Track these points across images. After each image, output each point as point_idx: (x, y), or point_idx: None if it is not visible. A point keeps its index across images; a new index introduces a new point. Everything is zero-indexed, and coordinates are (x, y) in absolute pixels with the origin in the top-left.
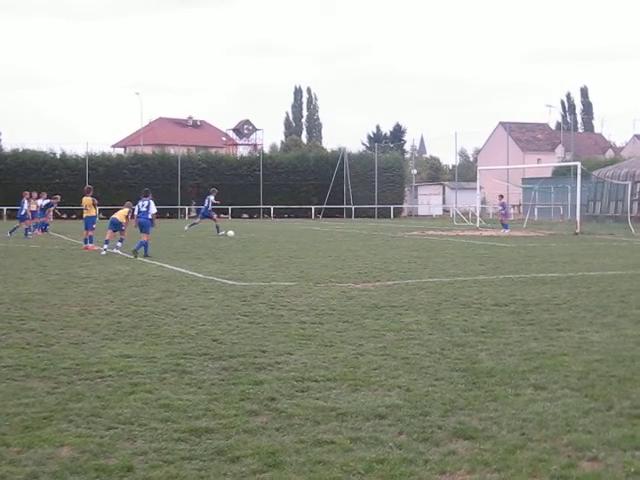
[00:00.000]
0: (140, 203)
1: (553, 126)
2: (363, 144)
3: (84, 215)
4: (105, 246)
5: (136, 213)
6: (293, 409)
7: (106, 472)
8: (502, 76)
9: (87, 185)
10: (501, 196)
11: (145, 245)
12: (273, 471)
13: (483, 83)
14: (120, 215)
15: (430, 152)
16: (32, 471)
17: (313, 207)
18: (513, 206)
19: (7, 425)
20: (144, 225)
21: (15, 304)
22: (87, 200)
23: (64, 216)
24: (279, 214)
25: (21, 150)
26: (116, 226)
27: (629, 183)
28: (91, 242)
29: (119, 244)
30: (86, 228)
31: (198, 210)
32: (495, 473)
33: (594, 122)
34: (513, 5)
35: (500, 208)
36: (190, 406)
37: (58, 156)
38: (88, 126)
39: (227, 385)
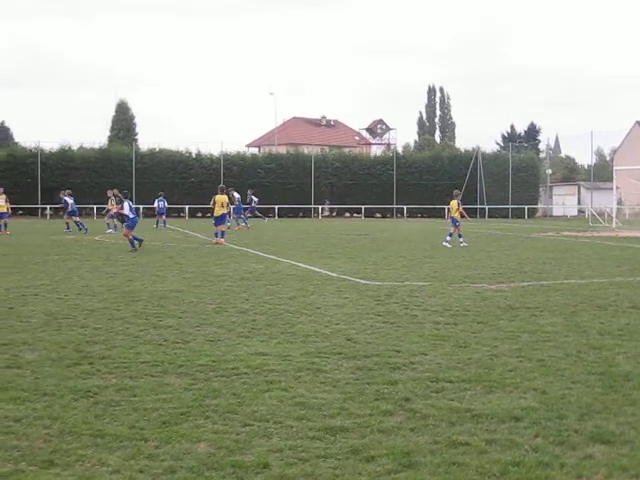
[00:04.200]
0: None
1: None
2: (497, 144)
3: (219, 213)
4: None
5: None
6: (428, 409)
7: (242, 468)
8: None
9: (221, 184)
10: None
11: None
12: (408, 471)
13: (621, 78)
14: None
15: (565, 152)
16: (170, 466)
17: (446, 207)
18: None
19: (145, 420)
20: None
21: (152, 301)
22: (223, 198)
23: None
24: (412, 214)
25: (158, 149)
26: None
27: None
28: (222, 236)
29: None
30: (218, 224)
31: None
32: (633, 479)
33: None
34: None
35: None
36: (325, 405)
37: (194, 155)
38: (224, 126)
39: (362, 384)
